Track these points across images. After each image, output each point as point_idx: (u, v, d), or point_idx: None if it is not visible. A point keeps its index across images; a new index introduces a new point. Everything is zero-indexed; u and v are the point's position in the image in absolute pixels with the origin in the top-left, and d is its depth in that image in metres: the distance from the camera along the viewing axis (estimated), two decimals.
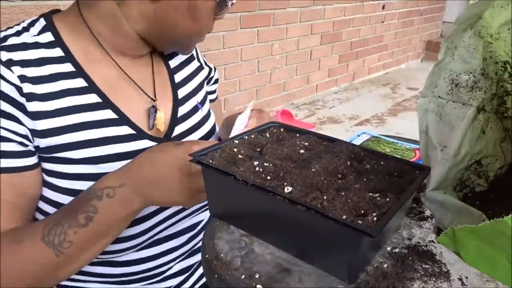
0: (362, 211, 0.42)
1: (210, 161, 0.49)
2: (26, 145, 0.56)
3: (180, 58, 0.77)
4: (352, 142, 0.60)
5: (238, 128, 0.67)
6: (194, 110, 0.75)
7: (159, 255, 0.70)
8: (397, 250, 0.48)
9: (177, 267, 0.75)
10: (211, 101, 0.86)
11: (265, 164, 0.49)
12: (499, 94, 0.52)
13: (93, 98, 0.61)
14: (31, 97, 0.56)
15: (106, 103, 0.62)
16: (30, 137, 0.57)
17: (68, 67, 0.60)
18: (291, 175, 0.47)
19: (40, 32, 0.61)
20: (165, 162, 0.55)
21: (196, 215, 0.75)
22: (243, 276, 0.44)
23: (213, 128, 0.79)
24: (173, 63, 0.75)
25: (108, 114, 0.62)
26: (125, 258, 0.67)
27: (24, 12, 1.54)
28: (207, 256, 0.48)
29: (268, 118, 0.74)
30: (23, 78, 0.56)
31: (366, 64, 4.03)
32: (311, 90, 3.44)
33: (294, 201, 0.41)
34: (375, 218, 0.40)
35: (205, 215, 0.78)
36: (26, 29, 0.61)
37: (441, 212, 0.49)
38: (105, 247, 0.58)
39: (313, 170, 0.49)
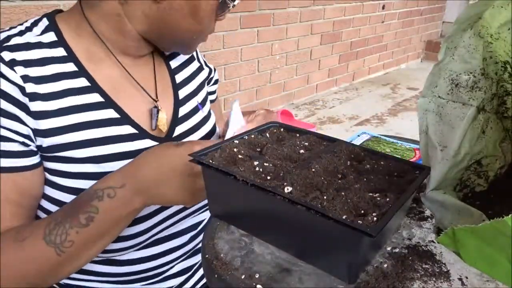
0: (362, 211, 0.42)
1: (210, 161, 0.49)
2: (28, 145, 0.56)
3: (181, 59, 0.77)
4: (352, 142, 0.60)
5: (234, 123, 0.67)
6: (195, 110, 0.75)
7: (159, 254, 0.70)
8: (397, 250, 0.48)
9: (178, 267, 0.75)
10: (211, 101, 0.86)
11: (265, 164, 0.49)
12: (499, 94, 0.52)
13: (95, 97, 0.61)
14: (34, 96, 0.56)
15: (108, 103, 0.62)
16: (33, 137, 0.57)
17: (70, 67, 0.61)
18: (291, 175, 0.47)
19: (43, 32, 0.61)
20: (166, 162, 0.55)
21: (197, 214, 0.75)
22: (243, 276, 0.44)
23: (214, 128, 0.80)
24: (174, 63, 0.75)
25: (110, 113, 0.62)
26: (125, 257, 0.67)
27: (24, 12, 1.54)
28: (207, 256, 0.48)
29: (276, 119, 0.75)
30: (26, 78, 0.56)
31: (366, 64, 4.03)
32: (311, 90, 3.44)
33: (294, 201, 0.41)
34: (375, 218, 0.40)
35: (206, 215, 0.78)
36: (29, 29, 0.61)
37: (441, 212, 0.49)
38: (106, 246, 0.58)
39: (313, 170, 0.49)
